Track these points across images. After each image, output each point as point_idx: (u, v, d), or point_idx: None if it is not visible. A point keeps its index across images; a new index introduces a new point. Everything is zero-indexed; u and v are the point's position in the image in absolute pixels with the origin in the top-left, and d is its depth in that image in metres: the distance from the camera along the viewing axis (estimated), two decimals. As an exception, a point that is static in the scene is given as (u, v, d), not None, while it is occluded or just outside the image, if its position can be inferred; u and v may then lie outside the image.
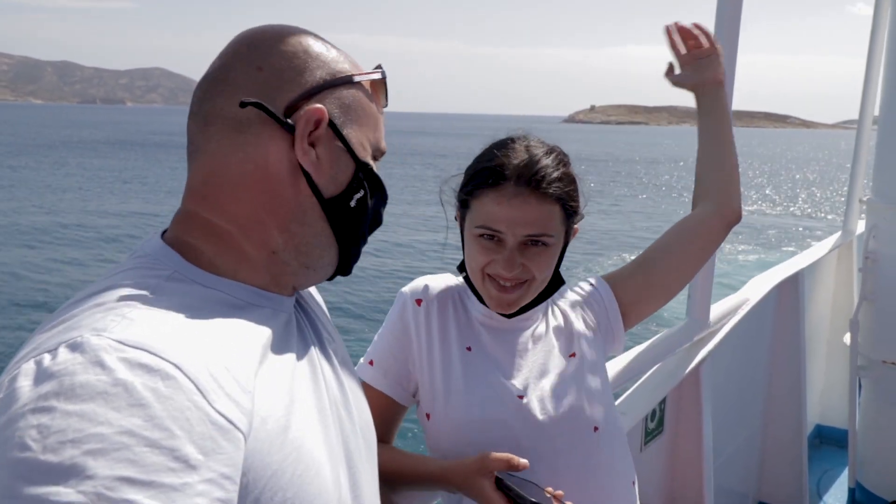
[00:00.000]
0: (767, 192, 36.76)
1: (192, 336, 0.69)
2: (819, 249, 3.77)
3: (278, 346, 0.81)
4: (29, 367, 0.62)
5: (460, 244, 1.37)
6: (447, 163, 48.59)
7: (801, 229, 23.28)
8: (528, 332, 1.36)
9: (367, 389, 1.31)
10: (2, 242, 16.52)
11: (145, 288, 0.73)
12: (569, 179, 1.27)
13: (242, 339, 0.75)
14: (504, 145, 1.28)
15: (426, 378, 1.32)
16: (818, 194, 36.55)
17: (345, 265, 0.93)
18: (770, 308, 3.30)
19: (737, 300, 2.70)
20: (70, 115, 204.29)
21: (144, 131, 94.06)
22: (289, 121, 0.82)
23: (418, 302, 1.34)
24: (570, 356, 1.37)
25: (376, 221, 0.96)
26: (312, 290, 1.07)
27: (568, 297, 1.46)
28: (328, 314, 1.09)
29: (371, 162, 0.91)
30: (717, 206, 1.48)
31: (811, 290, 3.75)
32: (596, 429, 1.32)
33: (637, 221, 22.91)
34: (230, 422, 0.66)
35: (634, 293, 1.45)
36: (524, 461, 1.18)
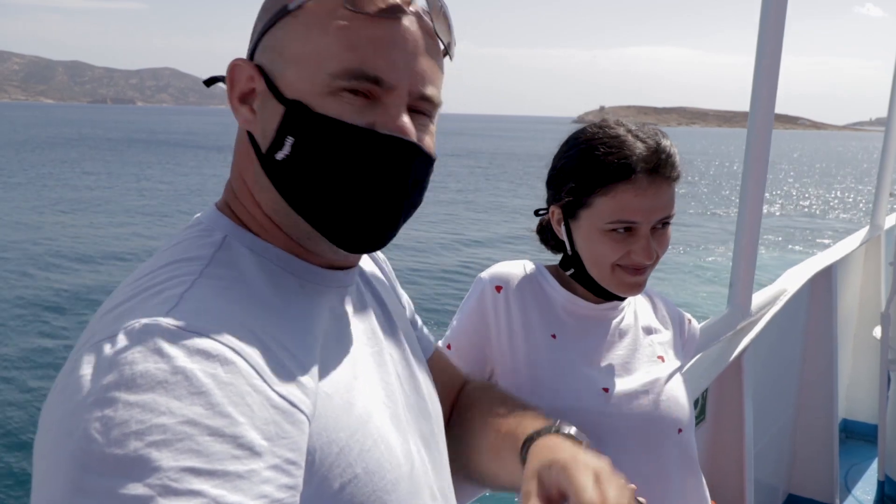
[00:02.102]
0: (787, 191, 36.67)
1: (249, 316, 0.67)
2: (849, 243, 3.80)
3: (336, 323, 0.80)
4: (90, 356, 0.61)
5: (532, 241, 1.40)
6: (459, 162, 48.68)
7: (811, 230, 23.22)
8: (614, 323, 1.37)
9: None
10: (17, 240, 16.65)
11: (201, 261, 0.72)
12: (680, 158, 1.30)
13: (300, 316, 0.74)
14: (613, 137, 1.27)
15: (508, 365, 1.31)
16: (830, 195, 36.41)
17: (339, 236, 0.76)
18: (804, 300, 3.34)
19: (775, 290, 2.74)
20: (81, 114, 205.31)
21: (159, 130, 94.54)
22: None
23: (498, 288, 1.33)
24: (658, 358, 1.39)
25: (371, 173, 0.74)
26: (376, 267, 1.03)
27: (652, 301, 1.49)
28: (399, 290, 1.09)
29: (317, 101, 0.73)
30: None
31: (841, 284, 3.78)
32: (680, 430, 1.34)
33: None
34: (293, 405, 0.64)
35: None
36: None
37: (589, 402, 1.27)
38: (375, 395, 0.79)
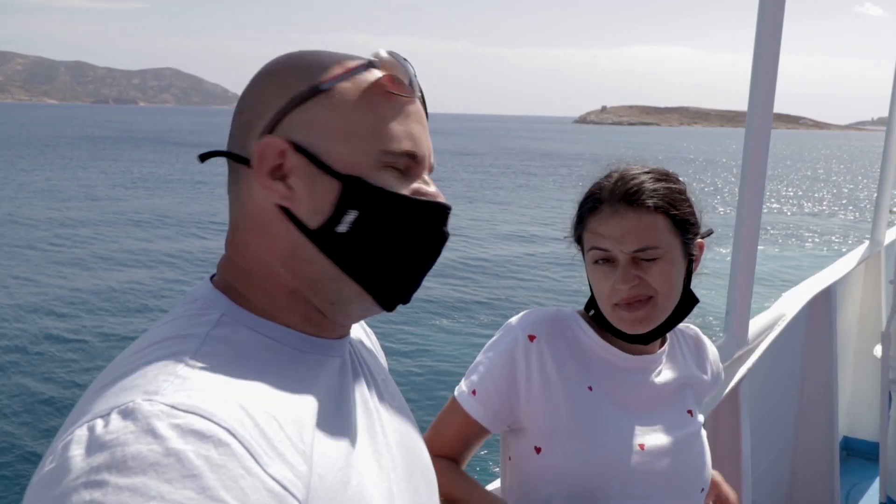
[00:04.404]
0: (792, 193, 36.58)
1: (244, 395, 0.67)
2: (848, 262, 3.75)
3: (333, 395, 0.79)
4: (82, 434, 0.61)
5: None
6: (461, 161, 48.69)
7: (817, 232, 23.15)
8: (651, 375, 1.36)
9: (462, 413, 1.32)
10: (26, 243, 16.64)
11: (196, 338, 0.72)
12: (670, 190, 1.28)
13: (296, 392, 0.73)
14: (604, 175, 1.33)
15: (541, 415, 1.29)
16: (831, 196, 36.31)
17: (385, 295, 0.83)
18: (803, 323, 3.29)
19: (772, 316, 2.69)
20: (85, 114, 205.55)
21: (164, 130, 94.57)
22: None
23: (531, 338, 1.30)
24: (688, 413, 1.38)
25: (414, 238, 0.82)
26: (361, 332, 1.03)
27: (697, 349, 1.48)
28: (381, 354, 1.08)
29: (369, 174, 0.78)
30: None
31: (841, 304, 3.73)
32: (702, 490, 1.34)
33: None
34: (285, 488, 0.64)
35: None
36: None
37: (626, 459, 1.27)
38: (370, 470, 0.78)
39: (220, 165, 0.84)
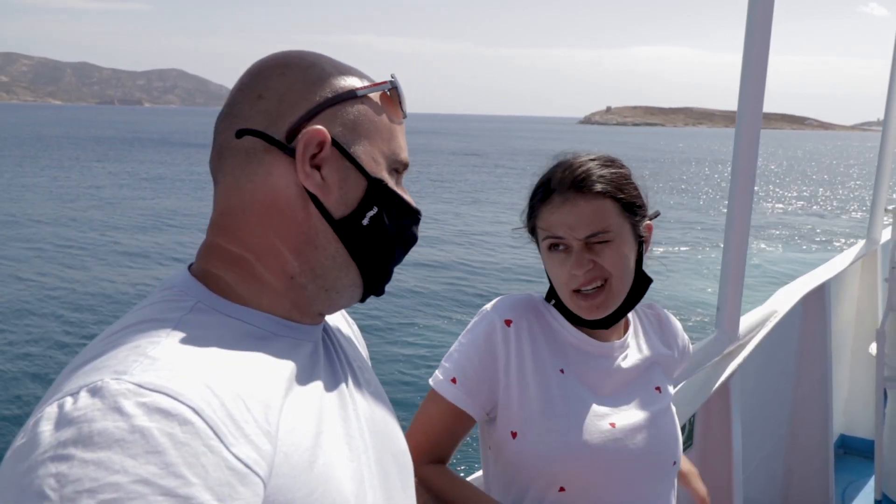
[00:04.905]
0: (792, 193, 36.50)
1: (212, 375, 0.69)
2: (843, 259, 3.76)
3: (303, 378, 0.81)
4: (52, 411, 0.63)
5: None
6: (465, 161, 48.74)
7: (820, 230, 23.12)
8: (618, 360, 1.39)
9: (444, 404, 1.33)
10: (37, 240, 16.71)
11: (169, 322, 0.74)
12: (616, 175, 1.32)
13: (265, 373, 0.75)
14: (553, 164, 1.37)
15: (515, 398, 1.31)
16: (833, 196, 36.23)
17: (372, 285, 0.91)
18: (797, 320, 3.31)
19: (765, 312, 2.70)
20: (90, 115, 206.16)
21: (172, 130, 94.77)
22: (291, 145, 0.82)
23: (508, 322, 1.34)
24: (656, 389, 1.41)
25: (404, 239, 0.92)
26: (341, 320, 1.07)
27: (661, 326, 1.52)
28: (362, 342, 1.11)
29: (385, 177, 0.88)
30: None
31: (836, 301, 3.74)
32: (674, 463, 1.38)
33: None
34: (247, 466, 0.66)
35: None
36: None
37: (598, 439, 1.30)
38: (339, 451, 0.80)
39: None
